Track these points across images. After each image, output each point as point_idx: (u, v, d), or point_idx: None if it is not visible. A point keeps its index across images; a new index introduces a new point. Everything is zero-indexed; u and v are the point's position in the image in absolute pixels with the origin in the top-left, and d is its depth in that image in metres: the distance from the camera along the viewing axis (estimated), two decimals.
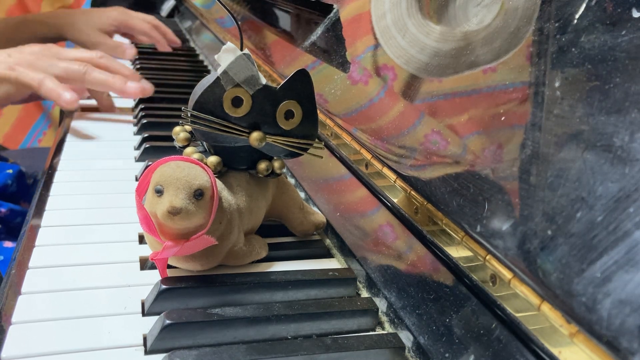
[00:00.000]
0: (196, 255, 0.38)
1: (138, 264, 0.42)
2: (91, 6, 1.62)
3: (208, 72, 1.02)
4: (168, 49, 1.13)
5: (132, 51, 1.01)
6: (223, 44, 0.48)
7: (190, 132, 0.43)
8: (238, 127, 0.40)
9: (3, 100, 0.72)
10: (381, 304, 0.39)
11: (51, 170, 0.57)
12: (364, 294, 0.41)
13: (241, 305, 0.36)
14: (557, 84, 0.31)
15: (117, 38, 1.12)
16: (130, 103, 0.84)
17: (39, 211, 0.48)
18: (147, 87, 0.77)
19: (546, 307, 0.27)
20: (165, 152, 0.56)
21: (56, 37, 1.10)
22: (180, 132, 0.43)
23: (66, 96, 0.68)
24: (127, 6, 1.35)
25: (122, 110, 0.81)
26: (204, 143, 0.42)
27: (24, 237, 0.45)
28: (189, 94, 0.40)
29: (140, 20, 1.10)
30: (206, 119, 0.39)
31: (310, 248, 0.46)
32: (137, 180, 0.57)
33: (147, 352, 0.33)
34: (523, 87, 0.33)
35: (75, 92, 0.70)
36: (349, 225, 0.46)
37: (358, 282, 0.42)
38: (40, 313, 0.35)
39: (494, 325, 0.31)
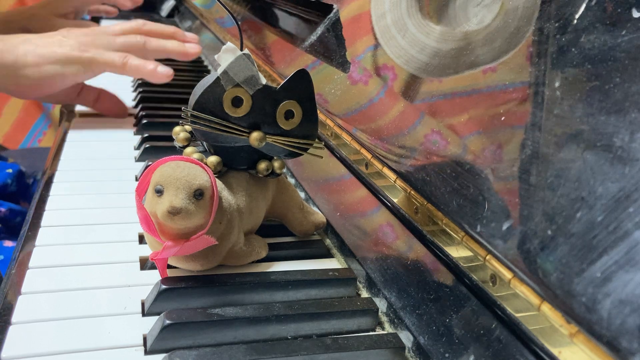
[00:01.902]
0: (196, 255, 0.38)
1: (138, 264, 0.42)
2: None
3: (208, 72, 1.02)
4: (130, 6, 1.11)
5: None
6: (223, 44, 0.48)
7: (190, 132, 0.43)
8: (238, 127, 0.40)
9: (72, 81, 0.68)
10: (381, 304, 0.39)
11: (51, 170, 0.57)
12: (364, 294, 0.41)
13: (241, 305, 0.36)
14: (557, 84, 0.31)
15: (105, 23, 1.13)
16: (130, 103, 0.84)
17: (39, 211, 0.48)
18: (198, 49, 0.75)
19: (546, 307, 0.27)
20: (165, 152, 0.56)
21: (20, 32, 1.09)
22: (180, 132, 0.43)
23: (161, 69, 0.66)
24: None
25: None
26: (204, 143, 0.42)
27: (24, 237, 0.45)
28: (189, 94, 0.40)
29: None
30: (206, 119, 0.39)
31: (310, 248, 0.46)
32: (137, 180, 0.57)
33: (147, 352, 0.33)
34: (523, 87, 0.33)
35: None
36: (349, 225, 0.46)
37: (358, 282, 0.42)
38: (40, 313, 0.35)
39: (494, 325, 0.31)
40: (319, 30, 0.61)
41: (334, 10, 0.59)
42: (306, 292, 0.40)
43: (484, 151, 0.34)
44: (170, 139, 0.44)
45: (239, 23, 0.44)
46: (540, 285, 0.28)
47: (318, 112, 0.42)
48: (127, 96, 0.86)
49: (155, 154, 0.62)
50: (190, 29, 1.31)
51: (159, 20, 1.53)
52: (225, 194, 0.39)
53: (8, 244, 0.70)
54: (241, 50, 0.38)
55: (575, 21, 0.31)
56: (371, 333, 0.38)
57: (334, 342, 0.35)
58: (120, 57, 0.67)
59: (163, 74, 0.67)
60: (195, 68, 1.04)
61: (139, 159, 0.62)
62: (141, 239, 0.45)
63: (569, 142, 0.29)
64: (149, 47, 0.71)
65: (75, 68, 0.67)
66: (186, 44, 0.74)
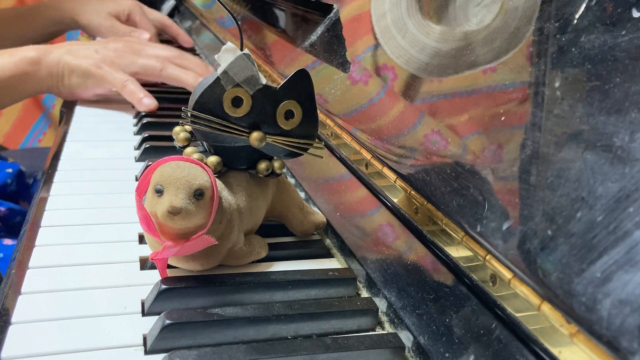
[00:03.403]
0: (196, 255, 0.38)
1: (138, 264, 0.42)
2: None
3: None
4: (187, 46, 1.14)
5: (145, 36, 1.03)
6: (223, 44, 0.48)
7: (190, 132, 0.43)
8: (238, 127, 0.40)
9: (90, 91, 0.78)
10: (381, 304, 0.39)
11: (51, 170, 0.57)
12: (364, 294, 0.41)
13: (241, 305, 0.36)
14: (557, 84, 0.31)
15: None
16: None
17: (39, 211, 0.48)
18: None
19: (546, 307, 0.27)
20: (165, 152, 0.56)
21: (69, 22, 1.12)
22: (180, 132, 0.43)
23: (146, 101, 0.75)
24: None
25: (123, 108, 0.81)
26: (204, 143, 0.42)
27: (24, 237, 0.44)
28: (189, 94, 0.40)
29: (147, 22, 1.12)
30: (206, 119, 0.39)
31: (310, 248, 0.46)
32: (137, 180, 0.57)
33: (147, 352, 0.33)
34: (523, 87, 0.33)
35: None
36: (349, 225, 0.46)
37: (358, 282, 0.42)
38: (40, 313, 0.35)
39: (494, 325, 0.31)
40: (319, 30, 0.61)
41: (334, 10, 0.59)
42: (306, 292, 0.40)
43: (484, 151, 0.34)
44: (170, 139, 0.44)
45: (239, 23, 0.44)
46: (540, 285, 0.28)
47: (318, 112, 0.42)
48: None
49: (155, 154, 0.62)
50: (190, 29, 1.31)
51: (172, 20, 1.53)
52: (225, 194, 0.39)
53: (8, 242, 0.70)
54: (241, 50, 0.38)
55: (575, 21, 0.31)
56: (371, 333, 0.38)
57: (334, 342, 0.35)
58: (121, 81, 0.75)
59: (146, 105, 0.75)
60: None
61: (139, 159, 0.62)
62: (141, 239, 0.45)
63: (569, 142, 0.29)
64: (163, 74, 0.79)
65: (93, 82, 0.76)
66: (199, 79, 0.79)
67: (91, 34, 1.11)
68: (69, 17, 1.10)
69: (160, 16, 1.16)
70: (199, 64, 0.83)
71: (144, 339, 0.34)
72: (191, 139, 0.43)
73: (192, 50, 1.18)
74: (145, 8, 1.14)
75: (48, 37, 1.16)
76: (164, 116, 0.75)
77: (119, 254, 0.43)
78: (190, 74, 0.79)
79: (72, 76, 0.76)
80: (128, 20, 1.11)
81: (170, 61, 0.80)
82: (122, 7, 1.10)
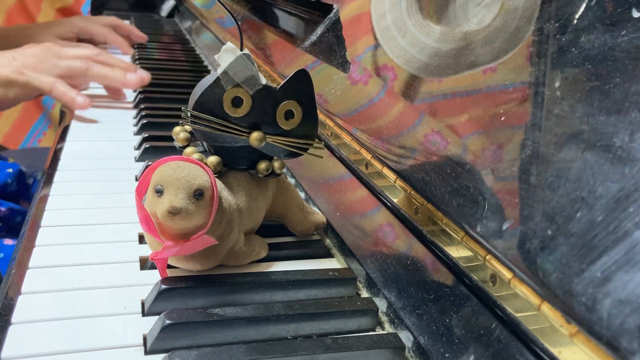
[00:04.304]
0: (196, 255, 0.38)
1: (138, 264, 0.42)
2: (91, 6, 1.62)
3: (208, 72, 1.02)
4: (130, 52, 1.13)
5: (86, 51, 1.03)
6: (223, 44, 0.48)
7: (190, 132, 0.43)
8: (238, 127, 0.40)
9: (13, 102, 0.74)
10: (381, 304, 0.39)
11: (51, 170, 0.57)
12: (364, 294, 0.41)
13: (241, 305, 0.36)
14: (557, 84, 0.31)
15: None
16: (130, 98, 0.84)
17: (39, 211, 0.48)
18: (145, 76, 0.80)
19: (546, 307, 0.27)
20: (165, 152, 0.56)
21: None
22: (180, 132, 0.43)
23: (79, 99, 0.72)
24: (127, 6, 1.35)
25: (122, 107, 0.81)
26: (204, 143, 0.42)
27: (24, 237, 0.44)
28: (189, 94, 0.40)
29: (99, 25, 1.11)
30: (206, 119, 0.39)
31: (310, 248, 0.46)
32: (137, 180, 0.57)
33: (147, 352, 0.33)
34: (523, 87, 0.33)
35: (79, 88, 0.74)
36: (349, 225, 0.46)
37: (358, 282, 0.42)
38: (40, 313, 0.35)
39: (494, 325, 0.31)
40: (319, 30, 0.61)
41: (334, 10, 0.59)
42: (306, 292, 0.40)
43: (484, 151, 0.34)
44: (170, 139, 0.44)
45: (239, 23, 0.44)
46: (540, 285, 0.28)
47: (318, 112, 0.42)
48: (128, 97, 0.86)
49: (155, 154, 0.62)
50: (190, 29, 1.31)
51: (159, 20, 1.53)
52: (225, 194, 0.39)
53: (8, 242, 0.70)
54: (241, 50, 0.38)
55: (575, 21, 0.31)
56: (371, 333, 0.38)
57: (334, 342, 0.35)
58: (49, 82, 0.72)
59: (80, 103, 0.73)
60: (195, 68, 1.04)
61: (139, 159, 0.62)
62: (141, 239, 0.45)
63: (569, 142, 0.29)
64: (89, 74, 0.77)
65: (14, 91, 0.72)
66: (128, 74, 0.79)
67: None
68: (16, 45, 1.10)
69: (108, 18, 1.15)
70: (120, 60, 0.81)
71: (144, 339, 0.34)
72: (191, 139, 0.43)
73: (191, 50, 1.18)
74: (90, 18, 1.13)
75: None
76: (164, 116, 0.75)
77: (119, 254, 0.43)
78: (117, 71, 0.78)
79: None
80: (81, 35, 1.10)
81: (92, 60, 0.78)
82: (67, 27, 1.09)
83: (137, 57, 1.06)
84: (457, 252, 0.35)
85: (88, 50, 0.80)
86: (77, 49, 0.80)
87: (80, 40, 1.11)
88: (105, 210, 0.50)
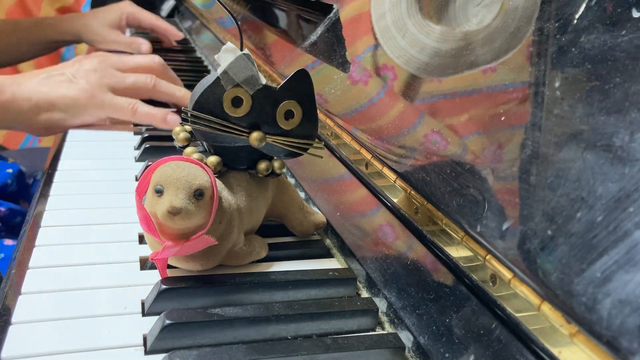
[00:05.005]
0: (196, 255, 0.38)
1: (138, 264, 0.42)
2: (91, 6, 1.62)
3: (208, 72, 1.02)
4: (173, 44, 1.15)
5: (146, 46, 1.02)
6: (223, 44, 0.48)
7: (190, 132, 0.43)
8: (238, 127, 0.40)
9: (67, 124, 0.69)
10: (381, 304, 0.39)
11: (51, 170, 0.57)
12: (364, 294, 0.41)
13: (241, 305, 0.36)
14: (557, 84, 0.31)
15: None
16: None
17: (39, 211, 0.48)
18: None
19: (546, 307, 0.27)
20: (165, 152, 0.56)
21: (72, 40, 1.13)
22: (180, 132, 0.43)
23: (171, 118, 0.67)
24: None
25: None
26: (204, 143, 0.42)
27: (23, 237, 0.44)
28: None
29: (148, 13, 1.12)
30: (206, 119, 0.39)
31: (310, 248, 0.46)
32: (137, 180, 0.57)
33: (147, 352, 0.33)
34: (523, 87, 0.33)
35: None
36: (349, 225, 0.46)
37: (358, 282, 0.42)
38: (40, 313, 0.35)
39: (494, 325, 0.31)
40: (319, 30, 0.61)
41: (334, 10, 0.59)
42: (306, 292, 0.40)
43: (484, 151, 0.34)
44: (170, 139, 0.44)
45: (239, 23, 0.44)
46: (540, 285, 0.28)
47: (318, 112, 0.42)
48: None
49: (155, 154, 0.62)
50: (190, 29, 1.31)
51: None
52: (225, 194, 0.39)
53: (8, 242, 0.70)
54: (241, 50, 0.38)
55: (575, 21, 0.31)
56: (371, 333, 0.38)
57: (334, 342, 0.35)
58: (129, 105, 0.68)
59: (171, 122, 0.67)
60: (195, 68, 1.04)
61: (139, 159, 0.62)
62: (141, 239, 0.45)
63: (569, 142, 0.29)
64: (158, 90, 0.71)
65: (86, 115, 0.68)
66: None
67: (96, 48, 1.11)
68: (71, 35, 1.10)
69: (151, 15, 1.15)
70: (175, 76, 0.77)
71: (144, 339, 0.34)
72: (191, 139, 0.43)
73: (191, 50, 1.18)
74: (137, 7, 1.13)
75: (46, 51, 1.17)
76: None
77: (119, 254, 0.43)
78: (182, 89, 0.73)
79: (53, 111, 0.66)
80: (130, 22, 1.11)
81: (154, 72, 0.73)
82: (117, 13, 1.09)
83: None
84: (457, 252, 0.35)
85: (148, 60, 0.74)
86: (137, 58, 0.74)
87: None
88: (105, 210, 0.50)
